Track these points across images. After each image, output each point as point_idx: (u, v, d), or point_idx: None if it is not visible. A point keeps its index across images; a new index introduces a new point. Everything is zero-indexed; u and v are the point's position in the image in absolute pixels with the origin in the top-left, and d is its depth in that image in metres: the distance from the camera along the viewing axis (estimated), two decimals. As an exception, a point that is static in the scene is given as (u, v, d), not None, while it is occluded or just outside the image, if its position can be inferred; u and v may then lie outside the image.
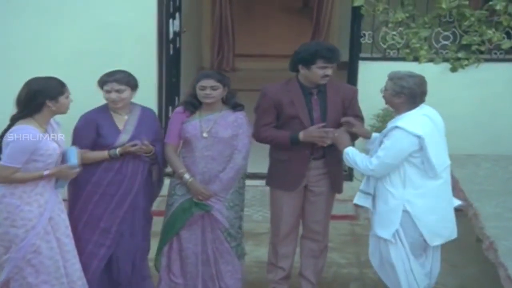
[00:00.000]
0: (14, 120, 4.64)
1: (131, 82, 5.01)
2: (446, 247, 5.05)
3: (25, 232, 4.62)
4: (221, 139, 5.08)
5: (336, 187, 5.29)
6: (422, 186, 4.77)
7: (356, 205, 5.04)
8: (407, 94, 4.72)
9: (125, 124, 5.06)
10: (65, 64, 6.71)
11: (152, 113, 5.29)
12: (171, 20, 7.37)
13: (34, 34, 7.03)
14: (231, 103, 5.16)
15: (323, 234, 5.36)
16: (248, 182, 5.39)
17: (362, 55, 7.14)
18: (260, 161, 5.62)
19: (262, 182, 5.55)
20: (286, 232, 5.32)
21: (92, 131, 5.00)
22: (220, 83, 5.05)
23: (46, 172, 4.63)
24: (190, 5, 9.54)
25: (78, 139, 5.01)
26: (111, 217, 5.05)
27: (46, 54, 6.97)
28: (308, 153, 5.11)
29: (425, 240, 4.83)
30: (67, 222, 4.85)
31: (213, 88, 5.03)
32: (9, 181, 4.59)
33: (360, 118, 5.18)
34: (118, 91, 4.97)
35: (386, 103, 4.91)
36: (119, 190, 5.04)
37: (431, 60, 6.93)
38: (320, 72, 4.96)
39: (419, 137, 4.67)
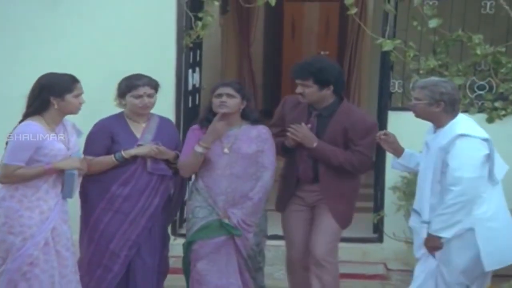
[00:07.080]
0: (24, 117, 4.41)
1: (157, 86, 4.78)
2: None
3: (22, 240, 4.26)
4: (244, 155, 4.70)
5: (336, 217, 4.85)
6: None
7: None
8: (447, 101, 4.33)
9: (143, 132, 4.74)
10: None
11: (171, 122, 4.97)
12: (190, 71, 7.05)
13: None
14: (251, 118, 4.79)
15: (322, 258, 4.85)
16: (270, 242, 5.08)
17: (392, 105, 6.78)
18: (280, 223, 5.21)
19: (283, 243, 5.31)
20: (290, 258, 5.00)
21: (106, 138, 4.67)
22: (238, 94, 4.69)
23: (47, 166, 4.32)
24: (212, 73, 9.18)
25: (90, 145, 4.68)
26: (122, 239, 4.63)
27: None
28: (296, 173, 4.86)
29: (475, 266, 4.33)
30: (69, 234, 4.49)
31: (229, 95, 4.65)
32: (13, 180, 4.29)
33: (365, 156, 4.75)
34: (150, 95, 4.70)
35: (418, 116, 4.47)
36: (134, 208, 4.64)
37: (465, 111, 6.45)
38: (296, 90, 4.77)
39: (487, 140, 4.25)
